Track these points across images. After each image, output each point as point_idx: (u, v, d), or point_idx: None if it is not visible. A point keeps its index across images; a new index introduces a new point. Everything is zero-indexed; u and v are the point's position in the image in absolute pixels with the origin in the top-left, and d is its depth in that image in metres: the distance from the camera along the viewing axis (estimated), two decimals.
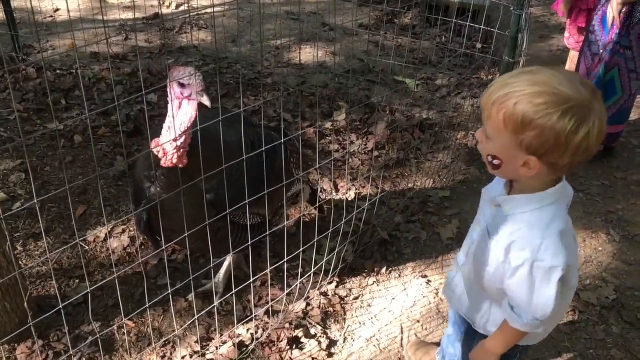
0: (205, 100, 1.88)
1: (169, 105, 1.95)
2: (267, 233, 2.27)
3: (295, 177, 2.48)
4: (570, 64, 4.36)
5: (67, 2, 4.80)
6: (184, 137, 1.91)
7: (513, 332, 1.55)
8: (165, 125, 1.95)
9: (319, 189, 3.21)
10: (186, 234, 1.89)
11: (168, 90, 1.93)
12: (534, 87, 1.23)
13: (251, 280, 2.53)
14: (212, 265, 2.15)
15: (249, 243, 2.17)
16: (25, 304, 2.04)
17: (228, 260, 2.59)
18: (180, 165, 1.95)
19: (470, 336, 1.80)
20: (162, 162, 1.95)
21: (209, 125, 1.87)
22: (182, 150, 1.93)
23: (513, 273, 1.43)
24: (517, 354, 1.73)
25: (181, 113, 1.92)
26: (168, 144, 1.92)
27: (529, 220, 1.40)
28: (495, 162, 1.37)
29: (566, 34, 4.30)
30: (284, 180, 2.20)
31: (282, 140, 2.17)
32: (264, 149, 2.06)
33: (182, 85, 1.89)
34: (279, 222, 2.51)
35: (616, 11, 3.15)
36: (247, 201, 2.03)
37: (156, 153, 1.95)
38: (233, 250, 2.22)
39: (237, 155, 1.98)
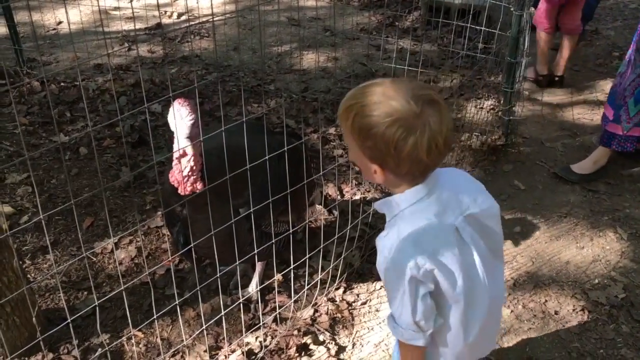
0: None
1: (175, 137, 1.97)
2: (290, 242, 2.32)
3: (315, 181, 2.54)
4: (543, 45, 4.42)
5: (67, 15, 4.83)
6: (188, 167, 1.96)
7: (402, 345, 1.54)
8: (174, 157, 1.99)
9: (324, 194, 3.22)
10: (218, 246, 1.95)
11: (172, 122, 1.94)
12: (370, 99, 1.30)
13: (258, 288, 2.55)
14: (218, 275, 2.16)
15: (272, 252, 2.21)
16: (34, 318, 2.06)
17: (258, 269, 2.63)
18: (197, 191, 2.00)
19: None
20: (180, 192, 2.00)
21: (230, 140, 1.90)
22: (192, 178, 1.98)
23: (382, 276, 1.47)
24: None
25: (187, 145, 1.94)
26: (179, 175, 1.97)
27: (392, 223, 1.46)
28: (357, 168, 1.44)
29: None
30: (307, 184, 2.25)
31: (316, 150, 2.23)
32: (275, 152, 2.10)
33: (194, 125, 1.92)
34: (300, 225, 2.57)
35: None
36: (270, 205, 2.10)
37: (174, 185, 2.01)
38: (259, 258, 2.26)
39: (263, 166, 2.01)
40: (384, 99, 1.29)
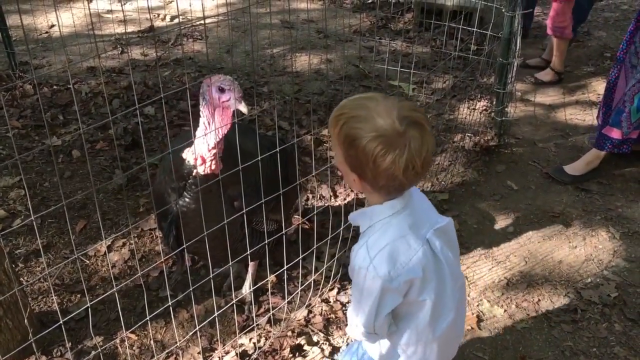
0: (243, 107, 1.92)
1: (202, 112, 1.99)
2: (282, 241, 2.32)
3: (302, 184, 2.56)
4: (557, 52, 4.42)
5: (57, 18, 4.82)
6: (220, 144, 1.97)
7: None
8: (199, 133, 1.99)
9: (317, 196, 3.22)
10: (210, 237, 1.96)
11: (200, 97, 1.98)
12: (360, 112, 1.37)
13: (252, 289, 2.54)
14: (211, 276, 2.15)
15: (263, 252, 2.22)
16: (26, 320, 2.05)
17: (250, 269, 2.63)
18: (217, 172, 2.00)
19: None
20: (201, 170, 2.00)
21: (229, 135, 1.96)
22: (218, 157, 1.99)
23: (354, 281, 1.54)
24: None
25: (216, 120, 1.96)
26: (206, 152, 1.97)
27: (367, 234, 1.51)
28: (339, 172, 1.49)
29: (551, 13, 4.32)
30: (297, 185, 2.27)
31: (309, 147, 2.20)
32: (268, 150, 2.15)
33: (221, 90, 1.93)
34: (289, 226, 2.57)
35: None
36: (262, 201, 2.11)
37: (193, 162, 1.99)
38: (251, 257, 2.26)
39: (256, 162, 2.03)
40: (372, 114, 1.35)
